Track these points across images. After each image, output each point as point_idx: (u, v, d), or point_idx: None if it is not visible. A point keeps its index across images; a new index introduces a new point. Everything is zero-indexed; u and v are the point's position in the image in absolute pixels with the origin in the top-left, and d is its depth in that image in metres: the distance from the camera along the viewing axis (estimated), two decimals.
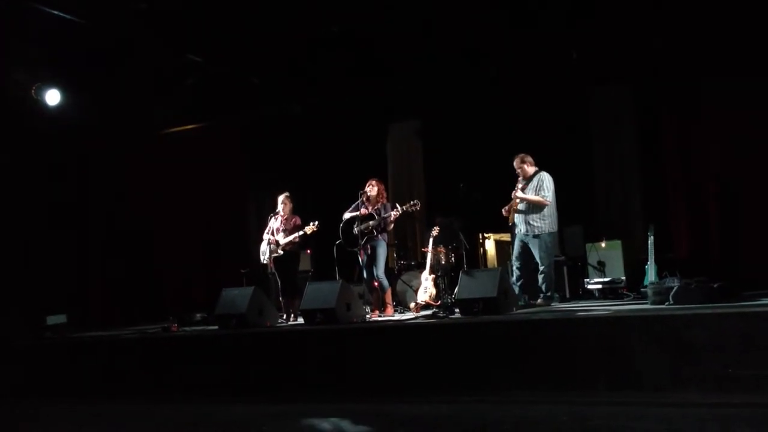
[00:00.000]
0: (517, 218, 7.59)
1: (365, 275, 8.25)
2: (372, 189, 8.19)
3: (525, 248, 7.58)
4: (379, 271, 8.10)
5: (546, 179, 7.50)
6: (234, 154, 11.89)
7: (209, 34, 9.08)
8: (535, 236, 7.45)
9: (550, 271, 7.49)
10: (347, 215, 8.30)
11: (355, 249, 8.15)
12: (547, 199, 7.43)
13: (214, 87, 10.40)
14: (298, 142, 11.49)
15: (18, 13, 8.02)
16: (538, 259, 7.48)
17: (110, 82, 9.74)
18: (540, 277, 7.47)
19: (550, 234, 7.45)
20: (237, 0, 8.26)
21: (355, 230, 8.09)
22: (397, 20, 8.82)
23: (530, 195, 7.47)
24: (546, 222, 7.44)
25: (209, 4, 8.34)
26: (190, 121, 11.68)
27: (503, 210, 7.70)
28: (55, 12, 8.06)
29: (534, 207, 7.45)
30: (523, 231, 7.55)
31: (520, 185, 7.63)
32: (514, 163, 7.66)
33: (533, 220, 7.46)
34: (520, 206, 7.54)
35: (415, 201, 8.11)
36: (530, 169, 7.59)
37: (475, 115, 10.26)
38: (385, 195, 8.37)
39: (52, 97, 9.63)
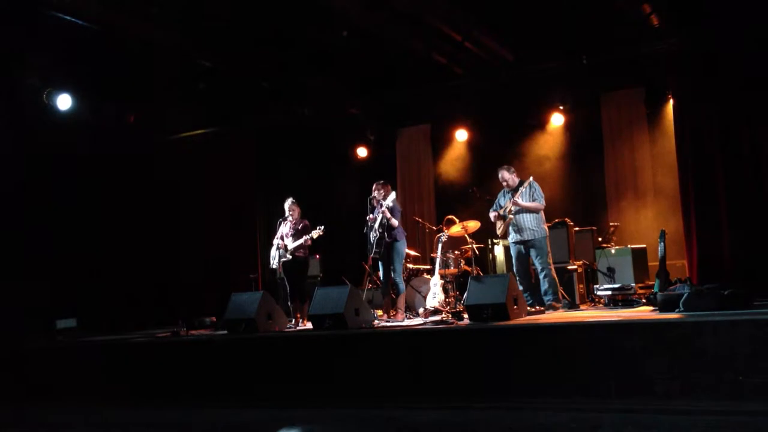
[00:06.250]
0: (511, 227, 7.66)
1: (382, 277, 8.13)
2: (379, 193, 8.14)
3: (523, 256, 7.64)
4: (397, 267, 7.92)
5: (537, 186, 7.66)
6: (244, 159, 11.91)
7: (220, 40, 9.12)
8: (533, 241, 7.53)
9: (552, 273, 7.58)
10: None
11: (375, 255, 7.94)
12: (542, 204, 7.58)
13: (225, 92, 10.43)
14: (307, 147, 11.52)
15: (31, 18, 8.08)
16: (537, 264, 7.54)
17: (122, 86, 9.80)
18: (545, 281, 7.49)
19: (545, 238, 7.59)
20: (248, 5, 8.28)
21: (371, 237, 8.00)
22: (406, 24, 8.83)
23: (526, 202, 7.52)
24: (540, 227, 7.58)
25: (220, 9, 8.37)
26: (200, 126, 11.72)
27: (494, 217, 7.74)
28: (68, 17, 8.11)
29: (528, 213, 7.55)
30: (519, 238, 7.61)
31: (505, 195, 7.77)
32: (503, 174, 7.78)
33: (531, 225, 7.55)
34: (515, 215, 7.58)
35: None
36: (516, 179, 7.70)
37: (486, 119, 10.24)
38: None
39: (64, 101, 9.68)
